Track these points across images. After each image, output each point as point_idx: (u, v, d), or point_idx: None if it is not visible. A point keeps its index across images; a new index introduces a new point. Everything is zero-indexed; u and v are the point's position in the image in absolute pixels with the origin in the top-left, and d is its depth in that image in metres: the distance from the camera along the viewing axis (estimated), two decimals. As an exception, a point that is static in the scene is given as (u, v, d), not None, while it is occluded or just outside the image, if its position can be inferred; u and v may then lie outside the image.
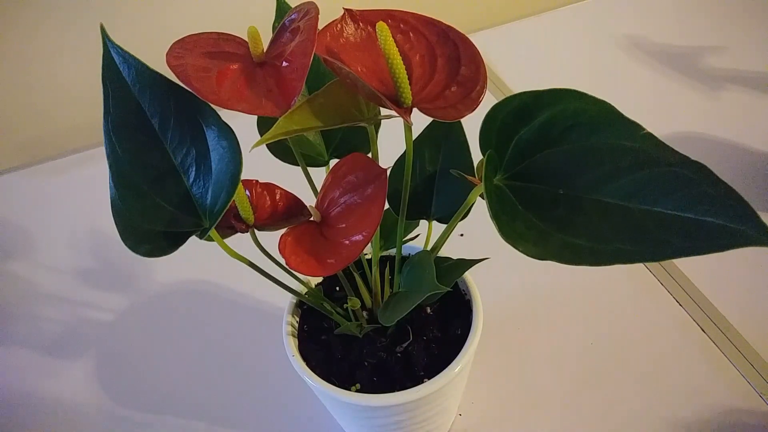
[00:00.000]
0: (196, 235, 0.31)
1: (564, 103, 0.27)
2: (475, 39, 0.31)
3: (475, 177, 0.37)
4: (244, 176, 0.30)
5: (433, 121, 0.39)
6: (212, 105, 0.28)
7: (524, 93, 0.27)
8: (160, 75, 0.29)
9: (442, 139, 0.40)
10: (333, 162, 0.39)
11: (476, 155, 0.38)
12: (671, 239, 0.23)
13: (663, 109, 0.81)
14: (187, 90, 0.29)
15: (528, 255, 0.24)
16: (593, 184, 0.26)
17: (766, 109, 0.79)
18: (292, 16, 0.29)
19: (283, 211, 0.34)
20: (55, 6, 0.79)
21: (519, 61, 0.93)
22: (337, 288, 0.45)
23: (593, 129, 0.26)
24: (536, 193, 0.27)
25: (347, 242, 0.30)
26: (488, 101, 0.28)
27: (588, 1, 1.04)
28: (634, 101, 0.83)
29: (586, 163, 0.26)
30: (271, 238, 0.33)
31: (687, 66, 0.88)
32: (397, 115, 0.27)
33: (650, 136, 0.25)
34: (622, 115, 0.26)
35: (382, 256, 0.43)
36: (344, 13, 0.31)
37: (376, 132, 0.34)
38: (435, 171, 0.40)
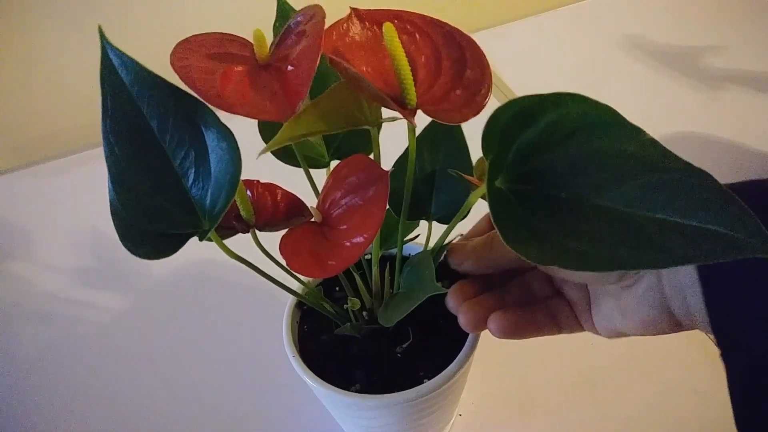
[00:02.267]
0: (196, 237, 0.31)
1: (567, 107, 0.26)
2: (475, 39, 0.31)
3: (472, 176, 0.37)
4: (245, 176, 0.30)
5: (432, 121, 0.39)
6: (214, 107, 0.27)
7: (527, 96, 0.27)
8: (159, 77, 0.29)
9: (442, 139, 0.40)
10: (334, 163, 0.39)
11: (475, 155, 0.38)
12: (673, 247, 0.23)
13: (663, 109, 0.81)
14: (186, 92, 0.29)
15: (529, 259, 0.24)
16: (595, 189, 0.26)
17: (766, 109, 0.79)
18: (298, 19, 0.28)
19: (284, 211, 0.34)
20: (56, 6, 0.79)
21: (519, 61, 0.93)
22: (337, 288, 0.45)
23: (596, 133, 0.26)
24: (538, 197, 0.27)
25: (348, 244, 0.30)
26: (488, 102, 0.28)
27: (588, 1, 1.04)
28: (634, 101, 0.83)
29: (589, 168, 0.26)
30: (271, 239, 0.33)
31: (687, 66, 0.88)
32: (399, 117, 0.27)
33: (653, 141, 0.25)
34: (625, 119, 0.26)
35: (382, 256, 0.43)
36: (351, 12, 0.30)
37: (378, 133, 0.34)
38: (434, 171, 0.40)
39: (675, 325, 0.32)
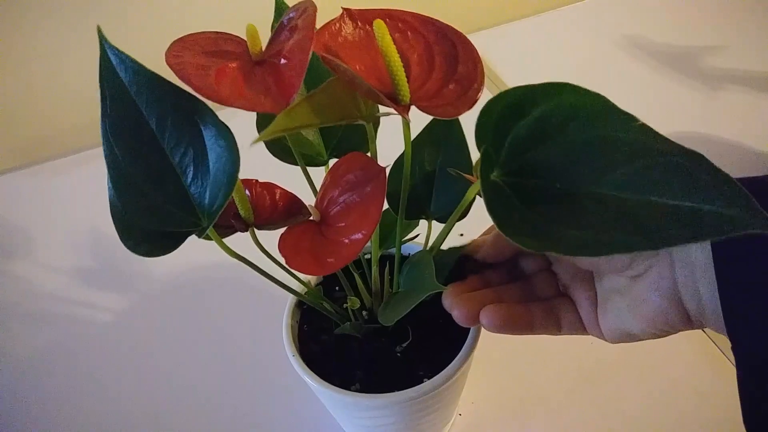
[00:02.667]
0: (195, 235, 0.31)
1: (559, 97, 0.27)
2: (475, 39, 0.31)
3: (473, 175, 0.37)
4: (243, 176, 0.30)
5: (432, 120, 0.39)
6: (211, 103, 0.28)
7: (519, 87, 0.27)
8: (158, 75, 0.29)
9: (442, 138, 0.40)
10: (332, 161, 0.39)
11: (475, 154, 0.38)
12: (669, 228, 0.23)
13: (663, 109, 0.81)
14: (184, 90, 0.29)
15: (526, 247, 0.24)
16: (589, 177, 0.26)
17: (766, 109, 0.79)
18: (291, 15, 0.29)
19: (282, 210, 0.34)
20: (56, 6, 0.79)
21: (519, 61, 0.93)
22: (337, 288, 0.45)
23: (588, 122, 0.26)
24: (533, 188, 0.27)
25: (347, 241, 0.30)
26: (487, 100, 0.28)
27: (588, 1, 1.04)
28: (634, 101, 0.82)
29: (582, 157, 0.26)
30: (271, 238, 0.33)
31: (687, 66, 0.88)
32: (395, 112, 0.27)
33: (645, 127, 0.25)
34: (616, 107, 0.26)
35: (381, 256, 0.43)
36: (343, 13, 0.31)
37: (375, 131, 0.34)
38: (434, 170, 0.40)
39: (683, 318, 0.32)
